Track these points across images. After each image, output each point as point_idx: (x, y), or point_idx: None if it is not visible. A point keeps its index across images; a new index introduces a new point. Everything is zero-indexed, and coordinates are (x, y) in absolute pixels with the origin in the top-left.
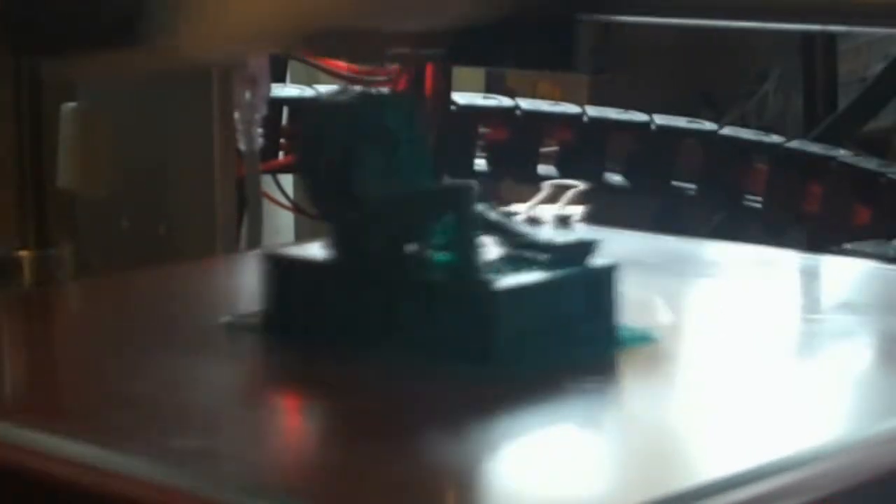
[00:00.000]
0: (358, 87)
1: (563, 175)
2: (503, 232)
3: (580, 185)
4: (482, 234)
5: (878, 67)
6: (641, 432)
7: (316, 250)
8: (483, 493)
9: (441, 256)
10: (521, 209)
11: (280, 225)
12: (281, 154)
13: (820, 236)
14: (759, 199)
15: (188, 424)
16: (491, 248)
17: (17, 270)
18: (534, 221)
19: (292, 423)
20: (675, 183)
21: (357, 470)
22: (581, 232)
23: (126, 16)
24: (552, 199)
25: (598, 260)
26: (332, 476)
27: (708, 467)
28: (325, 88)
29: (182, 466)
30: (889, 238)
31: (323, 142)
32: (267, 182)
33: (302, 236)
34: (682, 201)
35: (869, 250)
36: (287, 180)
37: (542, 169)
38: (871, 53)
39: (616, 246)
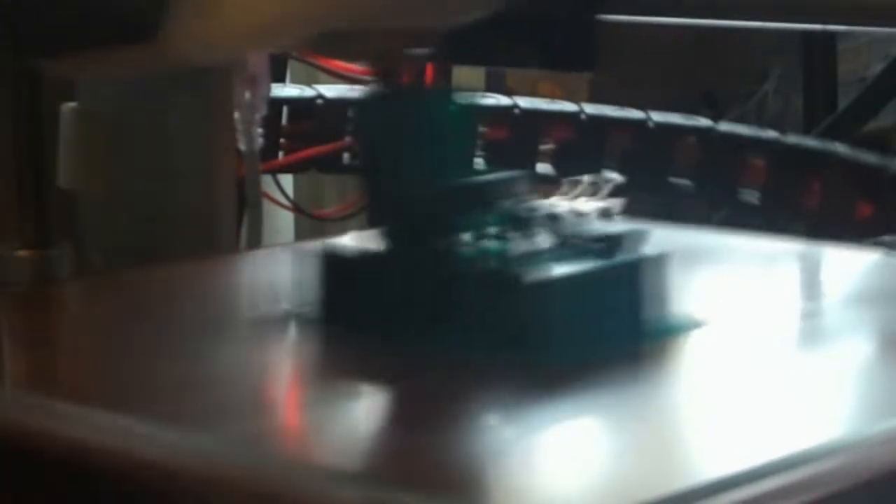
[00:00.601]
0: (368, 86)
1: (561, 172)
2: (552, 222)
3: (617, 179)
4: (530, 225)
5: (878, 67)
6: (642, 431)
7: (369, 242)
8: (479, 490)
9: (490, 246)
10: (560, 202)
11: (280, 225)
12: (281, 154)
13: (819, 231)
14: (758, 194)
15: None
16: (542, 238)
17: (17, 270)
18: (577, 214)
19: (343, 409)
20: (672, 179)
21: (408, 453)
22: (625, 223)
23: (134, 13)
24: (590, 192)
25: (649, 250)
26: (377, 459)
27: (708, 467)
28: (325, 88)
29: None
30: None
31: (373, 137)
32: (267, 182)
33: (302, 236)
34: (680, 197)
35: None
36: (287, 180)
37: (541, 167)
38: (871, 53)
39: (655, 238)
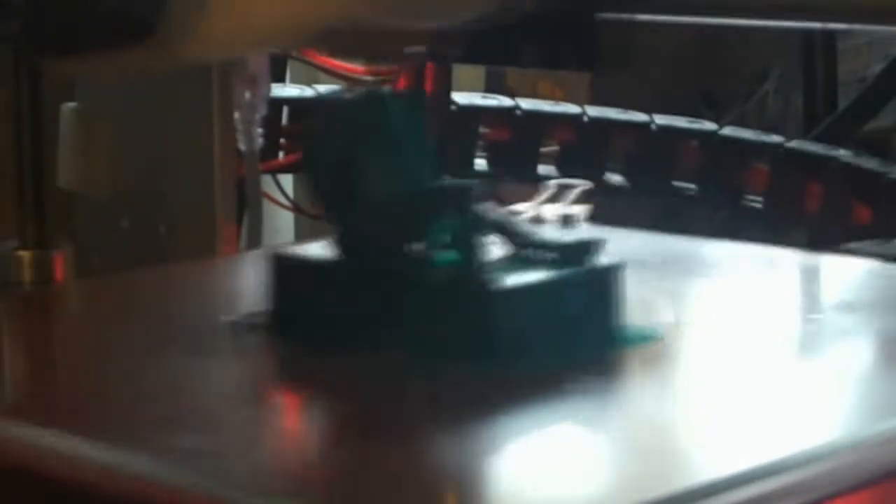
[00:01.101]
0: (360, 87)
1: (564, 175)
2: (507, 231)
3: (583, 185)
4: (485, 234)
5: (878, 67)
6: (641, 432)
7: (319, 250)
8: (482, 492)
9: (444, 255)
10: (524, 209)
11: (280, 225)
12: (281, 154)
13: (820, 236)
14: (760, 198)
15: (190, 424)
16: (494, 248)
17: (17, 270)
18: (537, 221)
19: (294, 421)
20: (675, 183)
21: (355, 468)
22: (585, 231)
23: (136, 14)
24: (555, 198)
25: (602, 259)
26: (333, 474)
27: (708, 467)
28: (325, 88)
29: (185, 465)
30: (891, 237)
31: (326, 141)
32: (267, 182)
33: (302, 236)
34: (682, 201)
35: (872, 250)
36: (287, 180)
37: (543, 169)
38: (871, 53)
39: (619, 245)
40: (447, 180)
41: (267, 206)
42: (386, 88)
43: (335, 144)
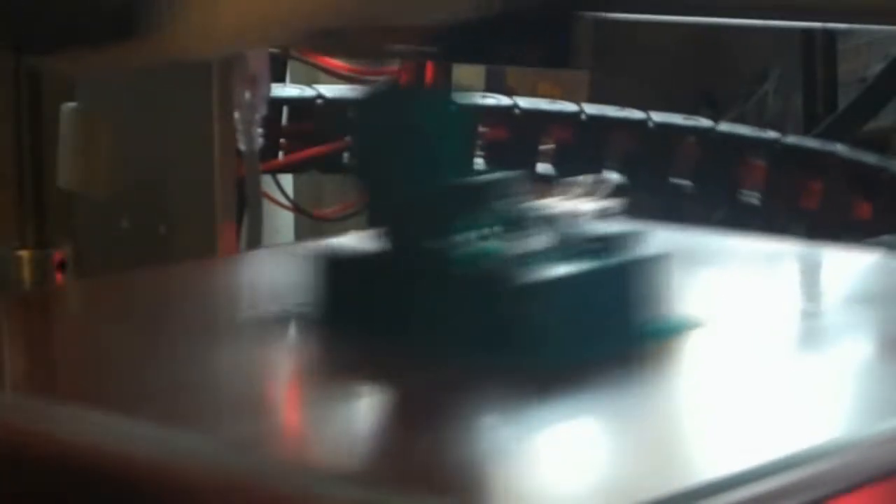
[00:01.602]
0: (387, 83)
1: (561, 173)
2: (548, 223)
3: (617, 179)
4: (528, 226)
5: (878, 67)
6: (640, 432)
7: (366, 243)
8: (481, 492)
9: (488, 247)
10: (559, 203)
11: (280, 225)
12: (281, 154)
13: (818, 231)
14: (757, 194)
15: (190, 422)
16: (538, 240)
17: (17, 270)
18: (574, 214)
19: (337, 412)
20: (672, 180)
21: (403, 456)
22: (623, 224)
23: (127, 8)
24: (590, 192)
25: (646, 250)
26: (380, 461)
27: (708, 467)
28: (325, 88)
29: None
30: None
31: (368, 136)
32: (267, 182)
33: (302, 236)
34: (680, 198)
35: (888, 241)
36: (287, 180)
37: (541, 167)
38: (871, 53)
39: (653, 238)
40: (488, 174)
41: (267, 206)
42: (426, 83)
43: (377, 138)
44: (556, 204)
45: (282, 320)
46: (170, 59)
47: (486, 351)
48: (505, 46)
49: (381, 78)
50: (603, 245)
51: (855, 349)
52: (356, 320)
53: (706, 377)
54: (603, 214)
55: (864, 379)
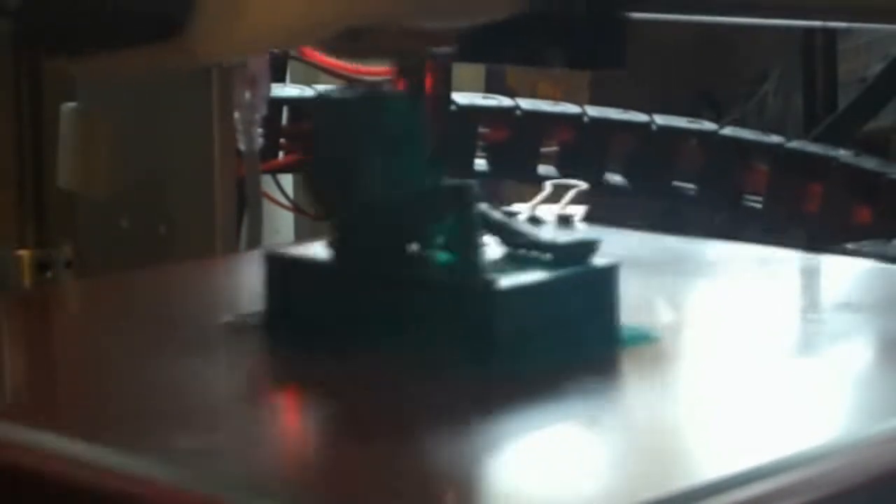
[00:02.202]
0: (359, 86)
1: (564, 175)
2: (505, 231)
3: (581, 185)
4: (483, 234)
5: (878, 67)
6: (641, 432)
7: (318, 249)
8: (481, 493)
9: (442, 256)
10: (522, 209)
11: (280, 225)
12: (281, 154)
13: (820, 236)
14: (759, 199)
15: (190, 424)
16: (492, 248)
17: (17, 270)
18: (535, 221)
19: (292, 422)
20: (675, 183)
21: (355, 469)
22: (582, 231)
23: (160, 13)
24: (553, 198)
25: (599, 259)
26: (331, 475)
27: (708, 467)
28: (325, 88)
29: (183, 466)
30: (889, 238)
31: (326, 140)
32: (267, 182)
33: (302, 236)
34: (682, 201)
35: (869, 250)
36: (287, 180)
37: (543, 169)
38: (871, 53)
39: (617, 245)
40: (446, 180)
41: (267, 206)
42: (386, 88)
43: (335, 144)
44: (517, 211)
45: (237, 329)
46: (199, 62)
47: (438, 359)
48: (533, 47)
49: (380, 78)
50: (556, 254)
51: (853, 353)
52: (317, 327)
53: (707, 378)
54: (564, 221)
55: (862, 382)
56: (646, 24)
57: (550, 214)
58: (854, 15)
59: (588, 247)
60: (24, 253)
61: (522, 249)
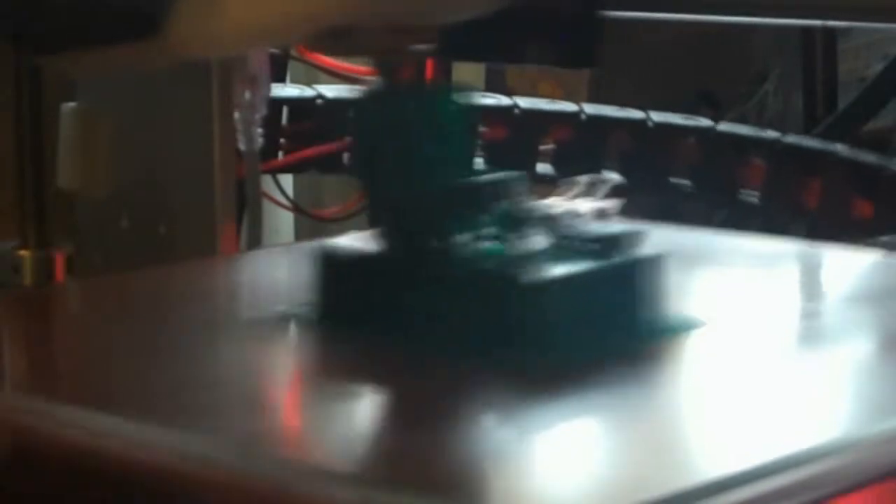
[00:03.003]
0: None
1: (560, 173)
2: (548, 223)
3: (615, 180)
4: (527, 226)
5: (878, 67)
6: (639, 432)
7: (367, 242)
8: (481, 492)
9: (489, 247)
10: (558, 202)
11: (280, 225)
12: (281, 154)
13: (819, 231)
14: (757, 194)
15: (191, 422)
16: (538, 239)
17: (17, 270)
18: (572, 215)
19: (341, 410)
20: (672, 179)
21: (404, 455)
22: (623, 224)
23: (137, 10)
24: (588, 192)
25: (645, 250)
26: (380, 459)
27: (708, 467)
28: (325, 88)
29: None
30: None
31: (371, 135)
32: (267, 182)
33: (302, 236)
34: (679, 197)
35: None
36: (287, 180)
37: (541, 167)
38: (871, 53)
39: (653, 238)
40: (492, 172)
41: (267, 206)
42: (430, 82)
43: (380, 137)
44: (556, 204)
45: (282, 320)
46: (177, 59)
47: (487, 351)
48: (518, 44)
49: (384, 75)
50: (602, 245)
51: (855, 349)
52: (356, 321)
53: (707, 377)
54: (601, 214)
55: (864, 379)
56: (645, 23)
57: (587, 208)
58: (854, 13)
59: (633, 237)
60: (24, 253)
61: (568, 241)
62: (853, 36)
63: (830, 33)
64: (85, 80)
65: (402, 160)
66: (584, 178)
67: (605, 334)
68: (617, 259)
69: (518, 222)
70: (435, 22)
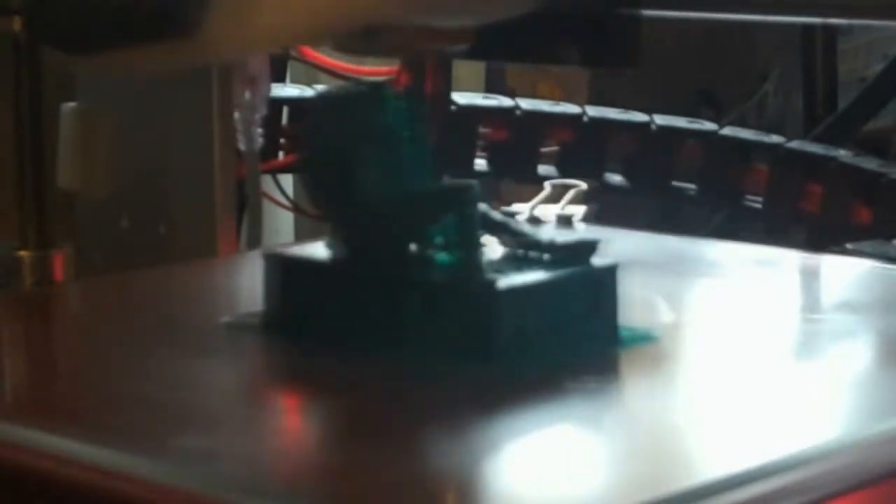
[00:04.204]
0: (357, 83)
1: (564, 175)
2: (505, 231)
3: (581, 185)
4: (484, 234)
5: (878, 67)
6: (641, 432)
7: (318, 249)
8: (482, 493)
9: (443, 256)
10: (522, 209)
11: (280, 225)
12: (281, 154)
13: (820, 236)
14: (759, 199)
15: (189, 424)
16: (493, 248)
17: (17, 270)
18: (535, 221)
19: (293, 422)
20: (675, 183)
21: (357, 470)
22: (583, 231)
23: (165, 9)
24: (554, 198)
25: (599, 259)
26: (332, 476)
27: (708, 467)
28: (324, 87)
29: (183, 466)
30: (890, 238)
31: (324, 138)
32: (267, 182)
33: (302, 236)
34: (682, 201)
35: (869, 250)
36: (287, 180)
37: (543, 169)
38: (871, 53)
39: (617, 245)
40: (446, 180)
41: (267, 206)
42: (386, 85)
43: (333, 141)
44: (518, 210)
45: (239, 328)
46: (211, 59)
47: (443, 359)
48: (551, 45)
49: (380, 78)
50: (559, 254)
51: (853, 353)
52: (317, 328)
53: (705, 378)
54: (564, 221)
55: (862, 382)
56: (645, 23)
57: (550, 214)
58: (854, 12)
59: (588, 247)
60: (24, 253)
61: (522, 250)
62: (853, 36)
63: (830, 33)
64: (87, 79)
65: (356, 167)
66: (549, 184)
67: (560, 343)
68: (572, 268)
69: (474, 230)
70: (467, 23)
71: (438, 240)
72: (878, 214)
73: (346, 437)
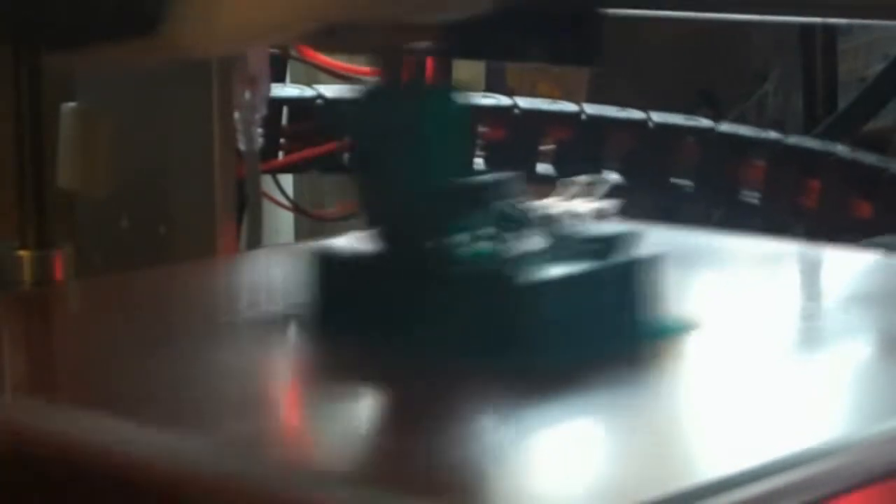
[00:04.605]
0: (395, 82)
1: (561, 173)
2: (544, 224)
3: (613, 180)
4: (522, 227)
5: (878, 67)
6: (639, 432)
7: (361, 244)
8: (480, 489)
9: (480, 249)
10: (555, 203)
11: (280, 225)
12: (281, 154)
13: (818, 232)
14: (757, 194)
15: (187, 422)
16: (535, 240)
17: (17, 270)
18: (569, 216)
19: (335, 412)
20: (673, 179)
21: (387, 458)
22: (620, 225)
23: (132, 6)
24: (585, 193)
25: (640, 251)
26: (374, 462)
27: (708, 467)
28: (325, 88)
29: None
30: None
31: (363, 134)
32: (267, 182)
33: (302, 236)
34: (680, 198)
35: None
36: (287, 180)
37: (541, 167)
38: (871, 53)
39: (651, 238)
40: (483, 174)
41: (267, 206)
42: (423, 83)
43: (376, 137)
44: (554, 204)
45: (280, 321)
46: (175, 56)
47: (484, 352)
48: (518, 43)
49: (383, 73)
50: (600, 246)
51: (854, 349)
52: (354, 321)
53: (706, 377)
54: (599, 215)
55: (863, 379)
56: (645, 23)
57: (584, 208)
58: (854, 12)
59: (629, 238)
60: (24, 253)
61: (562, 242)
62: (853, 36)
63: (830, 33)
64: (85, 77)
65: (399, 160)
66: (582, 179)
67: (601, 335)
68: (613, 260)
69: (515, 223)
70: (434, 20)
71: (481, 232)
72: (877, 209)
73: (384, 427)
